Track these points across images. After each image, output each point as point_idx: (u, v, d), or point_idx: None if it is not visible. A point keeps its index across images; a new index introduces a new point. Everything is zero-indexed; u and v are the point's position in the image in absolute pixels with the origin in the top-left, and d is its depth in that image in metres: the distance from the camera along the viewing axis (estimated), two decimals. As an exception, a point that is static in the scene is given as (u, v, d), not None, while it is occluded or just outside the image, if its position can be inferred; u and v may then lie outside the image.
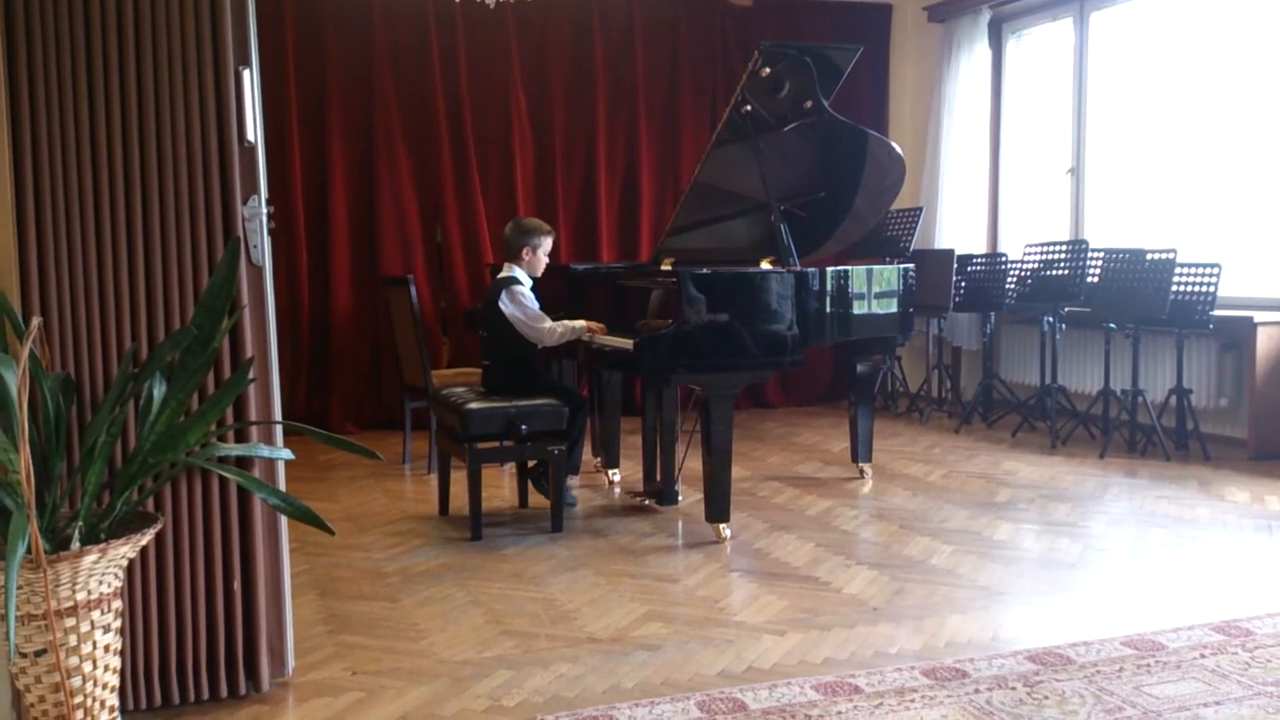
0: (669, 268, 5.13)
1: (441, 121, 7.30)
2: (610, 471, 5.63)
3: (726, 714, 2.78)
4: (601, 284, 5.32)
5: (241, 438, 2.85)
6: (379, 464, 5.92)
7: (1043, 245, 6.69)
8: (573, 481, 5.29)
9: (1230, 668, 3.03)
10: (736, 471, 5.28)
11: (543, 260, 4.91)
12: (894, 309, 5.03)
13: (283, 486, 2.89)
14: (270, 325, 2.93)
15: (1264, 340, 5.77)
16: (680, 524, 4.76)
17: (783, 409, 8.08)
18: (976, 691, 2.89)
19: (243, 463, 2.81)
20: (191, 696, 2.83)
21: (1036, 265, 6.68)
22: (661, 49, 7.82)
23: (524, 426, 4.52)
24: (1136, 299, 5.94)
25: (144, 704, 2.79)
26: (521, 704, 2.88)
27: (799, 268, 4.65)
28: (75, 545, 2.42)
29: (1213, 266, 5.73)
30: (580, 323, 4.71)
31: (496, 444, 4.61)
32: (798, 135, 5.06)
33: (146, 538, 2.51)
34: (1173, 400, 6.06)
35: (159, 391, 2.62)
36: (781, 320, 4.40)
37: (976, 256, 7.29)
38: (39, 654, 2.37)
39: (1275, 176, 6.02)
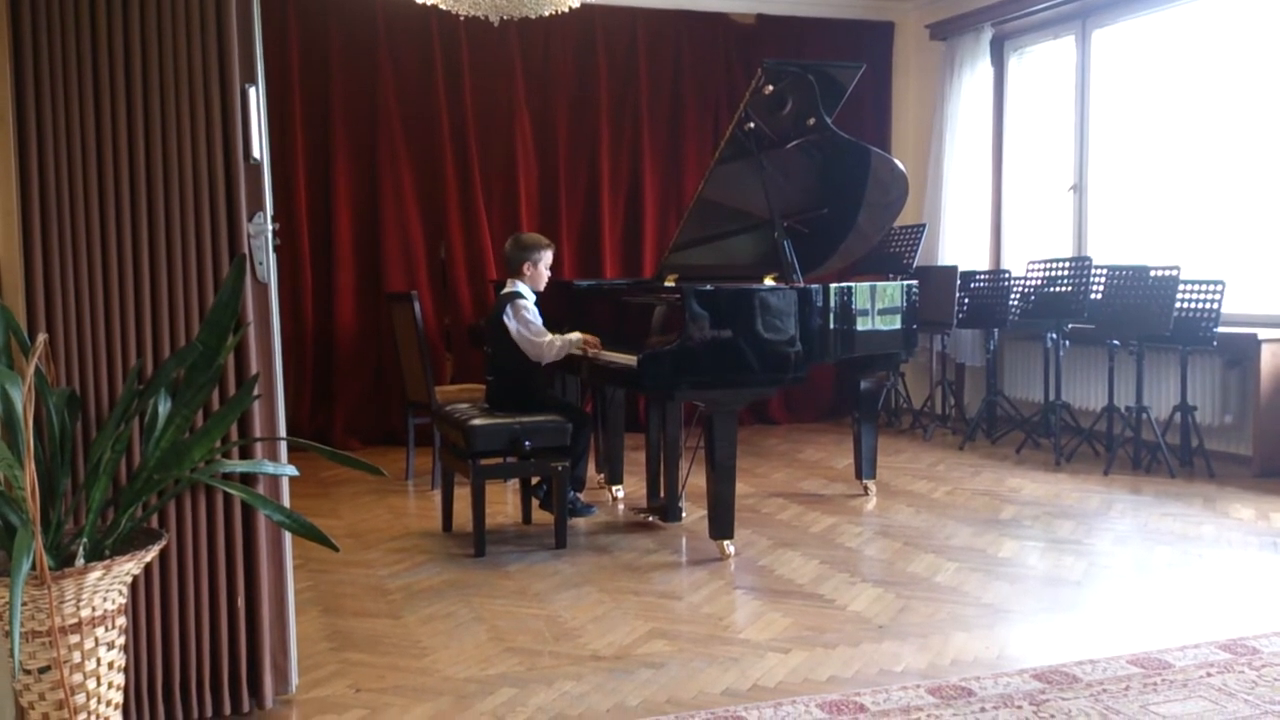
0: (672, 284, 5.14)
1: (445, 137, 7.33)
2: (614, 488, 5.62)
3: (731, 732, 2.77)
4: (605, 300, 5.33)
5: (246, 454, 2.85)
6: (382, 480, 5.92)
7: (1046, 262, 6.69)
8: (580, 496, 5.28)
9: (1237, 686, 3.02)
10: (740, 488, 5.28)
11: (544, 274, 4.91)
12: (897, 325, 5.03)
13: (287, 503, 2.89)
14: (275, 342, 2.94)
15: (1268, 357, 5.76)
16: (684, 541, 4.75)
17: (786, 425, 8.07)
18: (982, 710, 2.88)
19: (247, 479, 2.81)
20: (195, 714, 2.82)
21: (1040, 282, 6.68)
22: (664, 66, 7.85)
23: (528, 443, 4.52)
24: (1140, 316, 5.94)
25: (147, 721, 2.78)
26: (525, 722, 2.87)
27: (802, 284, 4.66)
28: (80, 562, 2.42)
29: (1217, 283, 5.73)
30: (576, 335, 4.71)
31: (500, 460, 4.60)
32: (801, 152, 5.08)
33: (151, 554, 2.51)
34: (1177, 417, 6.05)
35: (164, 408, 2.62)
36: (785, 337, 4.40)
37: (980, 273, 7.29)
38: (43, 671, 2.37)
39: (1278, 193, 6.02)
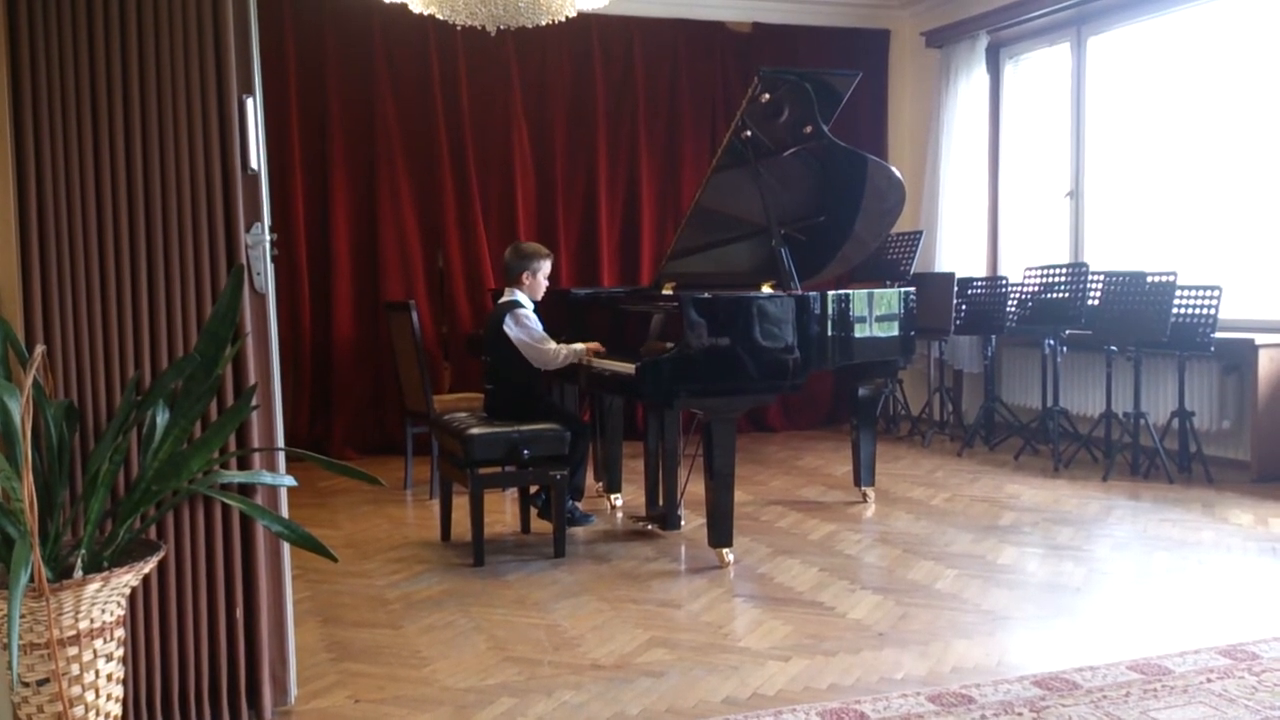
0: (670, 292, 5.14)
1: (443, 147, 7.33)
2: (612, 496, 5.62)
3: (731, 741, 2.76)
4: (603, 308, 5.33)
5: (244, 465, 2.85)
6: (380, 490, 5.90)
7: (1043, 268, 6.70)
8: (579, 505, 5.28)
9: (1237, 692, 3.02)
10: (739, 496, 5.27)
11: (543, 283, 4.92)
12: (895, 332, 5.02)
13: (285, 513, 2.89)
14: (273, 352, 2.94)
15: (1265, 362, 5.77)
16: (683, 549, 4.75)
17: (785, 433, 8.07)
18: (983, 717, 2.87)
19: (245, 490, 2.81)
20: (193, 725, 2.82)
21: (1037, 288, 6.68)
22: (661, 75, 7.87)
23: (526, 451, 4.52)
24: (1137, 322, 5.94)
25: (146, 733, 2.78)
26: (525, 732, 2.87)
27: (800, 292, 4.66)
28: (78, 574, 2.42)
29: (1213, 289, 5.73)
30: (581, 346, 4.73)
31: (499, 469, 4.59)
32: (797, 160, 5.08)
33: (149, 566, 2.51)
34: (1175, 423, 6.05)
35: (162, 419, 2.62)
36: (783, 344, 4.40)
37: (977, 280, 7.30)
38: (41, 683, 2.36)
39: (1275, 198, 6.03)
